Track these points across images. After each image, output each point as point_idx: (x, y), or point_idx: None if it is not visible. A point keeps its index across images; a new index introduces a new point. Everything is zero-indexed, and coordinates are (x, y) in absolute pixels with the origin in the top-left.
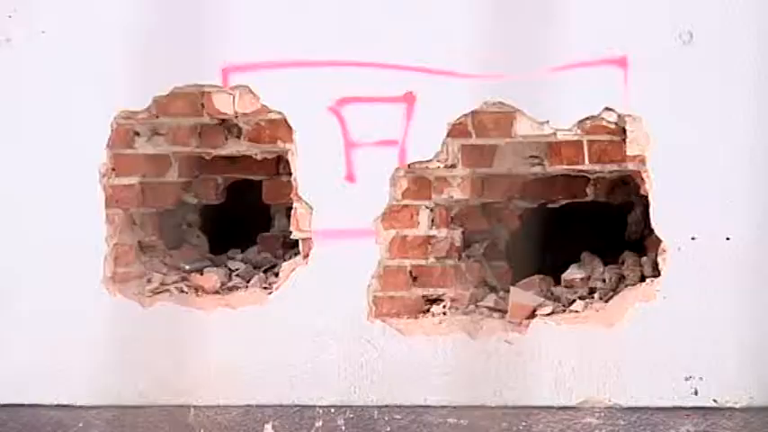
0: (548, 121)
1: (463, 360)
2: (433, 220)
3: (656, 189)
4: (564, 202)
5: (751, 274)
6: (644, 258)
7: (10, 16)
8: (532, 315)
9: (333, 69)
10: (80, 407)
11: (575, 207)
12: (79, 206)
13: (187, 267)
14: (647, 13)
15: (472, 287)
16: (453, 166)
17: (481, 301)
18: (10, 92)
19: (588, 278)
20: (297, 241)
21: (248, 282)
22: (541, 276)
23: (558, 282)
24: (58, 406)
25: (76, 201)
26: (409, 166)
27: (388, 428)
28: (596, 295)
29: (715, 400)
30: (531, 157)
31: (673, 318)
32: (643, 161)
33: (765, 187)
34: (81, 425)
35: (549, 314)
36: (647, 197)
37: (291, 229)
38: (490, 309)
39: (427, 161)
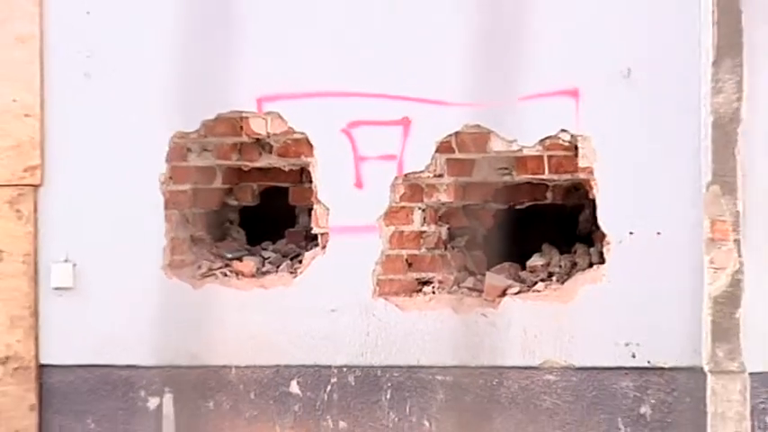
0: (515, 140)
1: (448, 329)
2: (424, 219)
3: (601, 194)
4: (528, 204)
5: (676, 261)
6: (592, 249)
7: (88, 56)
8: (503, 294)
9: (345, 99)
10: (144, 367)
11: (537, 208)
12: (144, 207)
13: (229, 256)
14: (595, 53)
15: (455, 272)
16: (441, 175)
17: (463, 282)
18: (89, 116)
19: (548, 264)
20: (316, 235)
21: (278, 267)
22: (510, 263)
23: (523, 268)
24: (126, 366)
25: (142, 203)
26: (406, 175)
27: (389, 384)
28: (554, 278)
29: (649, 362)
30: (502, 168)
31: (615, 296)
32: (591, 172)
33: (687, 193)
34: (144, 381)
35: (516, 293)
36: (594, 200)
37: (312, 225)
38: (470, 289)
39: (420, 172)
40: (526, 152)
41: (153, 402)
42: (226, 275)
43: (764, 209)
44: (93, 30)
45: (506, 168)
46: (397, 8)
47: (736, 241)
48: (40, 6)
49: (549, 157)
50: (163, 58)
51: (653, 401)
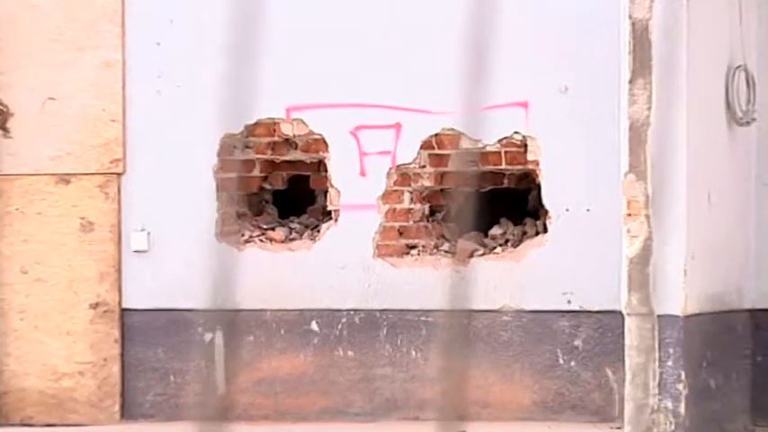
0: (480, 140)
1: (430, 282)
2: (411, 199)
3: (544, 180)
4: (490, 187)
5: (602, 230)
6: (538, 222)
7: (158, 77)
8: (471, 255)
9: (351, 109)
10: (200, 310)
11: (496, 191)
12: (201, 190)
13: (264, 227)
14: (540, 74)
15: (435, 239)
16: (424, 166)
17: (441, 247)
18: (159, 121)
19: (504, 233)
20: (330, 212)
21: (301, 235)
22: (476, 232)
23: (486, 236)
24: (187, 309)
25: (200, 187)
26: (398, 166)
27: (385, 323)
28: (509, 244)
29: (580, 306)
30: (470, 161)
31: (555, 257)
32: (537, 164)
33: (609, 179)
34: (201, 321)
35: (481, 255)
36: (539, 185)
37: (327, 204)
38: (446, 252)
39: (408, 164)
40: (488, 149)
41: (207, 336)
42: (262, 241)
43: (666, 192)
44: (162, 56)
45: (473, 161)
46: (390, 40)
47: (647, 216)
48: (122, 38)
49: (506, 152)
50: (214, 76)
51: (584, 336)
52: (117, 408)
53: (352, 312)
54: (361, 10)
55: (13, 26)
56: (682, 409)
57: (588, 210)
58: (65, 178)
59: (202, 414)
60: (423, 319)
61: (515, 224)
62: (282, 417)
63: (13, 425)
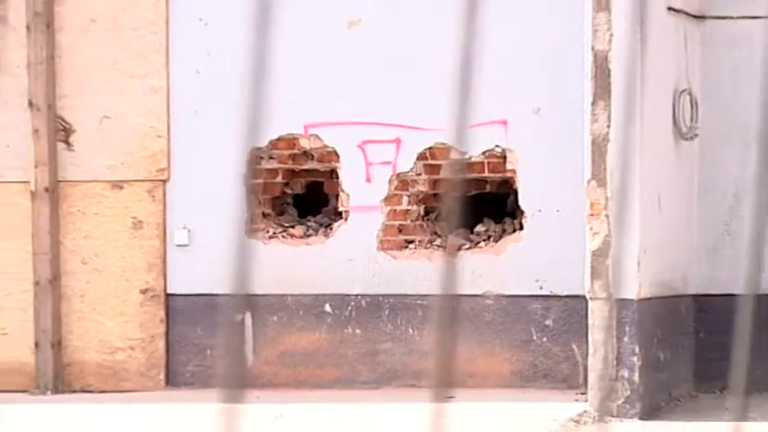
0: (467, 152)
1: (424, 272)
2: (409, 201)
3: (520, 186)
4: (475, 192)
5: (568, 228)
6: (515, 221)
7: (197, 99)
8: (459, 249)
9: (359, 126)
10: (232, 294)
11: (481, 195)
12: (233, 194)
13: (286, 225)
14: (517, 97)
15: (429, 235)
16: (419, 174)
17: (434, 242)
18: (197, 137)
19: (487, 230)
20: (341, 212)
21: (317, 232)
22: (464, 230)
23: (472, 233)
24: (221, 294)
25: (231, 192)
26: (398, 174)
27: (387, 306)
28: (491, 239)
29: (551, 292)
30: (459, 170)
31: (529, 250)
32: (515, 172)
33: (575, 185)
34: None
35: (468, 248)
36: (516, 190)
37: (339, 206)
38: (438, 246)
39: (406, 172)
40: (474, 160)
41: (238, 317)
42: (283, 237)
43: (623, 195)
44: (200, 82)
45: (461, 170)
46: (391, 70)
47: (606, 216)
48: (167, 68)
49: (488, 162)
50: (243, 98)
51: (553, 317)
52: (162, 377)
53: (359, 297)
54: (367, 44)
55: (76, 57)
56: (636, 378)
57: (557, 211)
58: (118, 184)
59: (232, 382)
60: (419, 302)
61: (496, 223)
62: (301, 385)
63: (74, 391)
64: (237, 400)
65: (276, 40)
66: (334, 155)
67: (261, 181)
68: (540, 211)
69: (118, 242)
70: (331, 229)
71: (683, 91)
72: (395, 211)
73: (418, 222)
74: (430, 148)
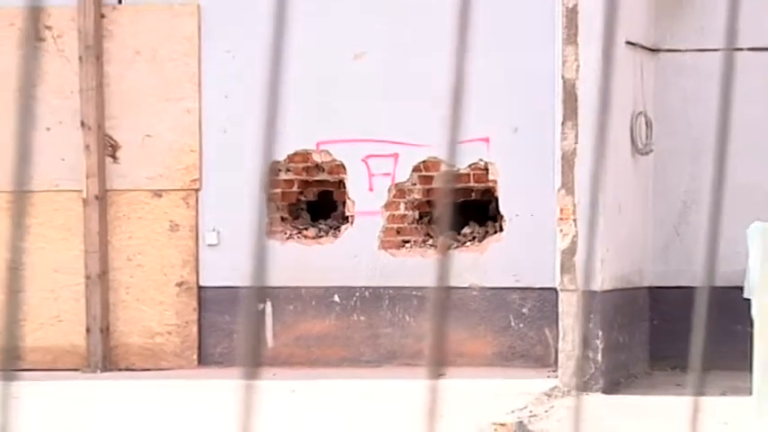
0: (455, 164)
1: (419, 267)
2: (406, 207)
3: (501, 194)
4: (462, 200)
5: (542, 230)
6: (496, 224)
7: (225, 119)
8: (449, 248)
9: (363, 143)
10: (253, 286)
11: (467, 202)
12: (254, 201)
13: (300, 227)
14: (497, 117)
15: (423, 236)
16: (415, 184)
17: (427, 242)
18: (225, 152)
19: (472, 232)
20: (348, 217)
21: (327, 233)
22: (453, 231)
23: (459, 234)
24: (243, 286)
25: (253, 199)
26: (396, 184)
27: (387, 297)
28: (476, 239)
29: (527, 284)
30: (448, 180)
31: (508, 249)
32: (495, 182)
33: (548, 193)
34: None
35: (456, 248)
36: (497, 198)
37: (346, 211)
38: (430, 245)
39: (403, 182)
40: (461, 172)
41: (260, 306)
42: (298, 238)
43: (588, 202)
44: (228, 105)
45: (450, 180)
46: (390, 95)
47: (574, 219)
48: (199, 93)
49: (473, 174)
50: (264, 118)
51: (529, 306)
52: (195, 357)
53: (363, 288)
54: (370, 73)
55: (121, 84)
56: (599, 358)
57: (532, 215)
58: (158, 193)
59: (252, 362)
60: (414, 293)
61: (480, 226)
62: (313, 364)
63: (120, 370)
64: (257, 376)
65: (292, 70)
66: (342, 168)
67: (279, 190)
68: (517, 215)
69: (157, 242)
70: (339, 231)
71: (639, 113)
72: (393, 215)
73: (413, 225)
74: (423, 161)
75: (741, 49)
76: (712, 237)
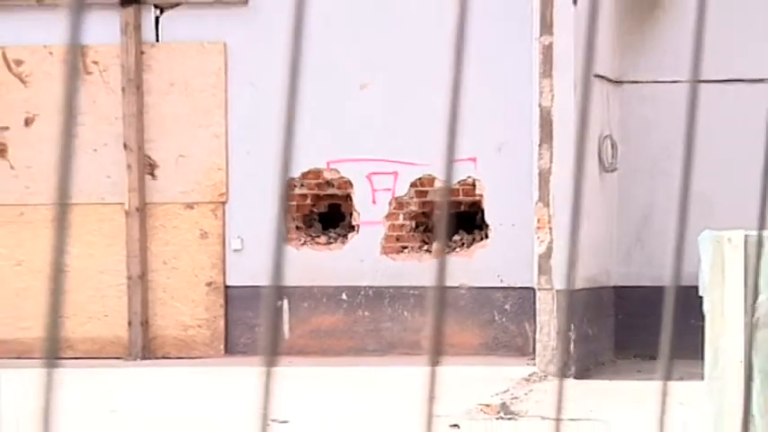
0: (451, 182)
1: (416, 270)
2: (404, 218)
3: (486, 206)
4: (453, 211)
5: (522, 237)
6: (482, 232)
7: (249, 142)
8: (444, 252)
9: (367, 162)
10: (272, 286)
11: (457, 213)
12: (274, 213)
13: (313, 235)
14: (483, 139)
15: (419, 242)
16: (412, 198)
17: (422, 248)
18: (249, 170)
19: (462, 239)
20: (354, 226)
21: (336, 240)
22: (446, 239)
23: (450, 240)
24: (264, 286)
25: (273, 211)
26: (396, 198)
27: (388, 295)
28: (465, 245)
29: (509, 284)
30: (441, 194)
31: (492, 254)
32: (482, 196)
33: (527, 205)
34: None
35: (447, 253)
36: (483, 209)
37: (352, 221)
38: (426, 251)
39: (402, 196)
40: (453, 187)
41: (278, 304)
42: (311, 244)
43: (561, 213)
44: (250, 130)
45: (443, 194)
46: (390, 121)
47: (550, 228)
48: (225, 119)
49: (462, 189)
50: (281, 140)
51: (511, 303)
52: (222, 347)
53: (367, 288)
54: (374, 102)
55: (158, 111)
56: (571, 348)
57: (513, 224)
58: (190, 205)
59: (271, 351)
60: (412, 292)
61: (468, 233)
62: (325, 353)
63: (157, 358)
64: (275, 364)
65: (306, 99)
66: (349, 183)
67: (294, 203)
68: (500, 224)
69: (189, 248)
70: (346, 238)
71: (605, 136)
72: (393, 225)
73: (411, 233)
74: (419, 178)
75: (705, 81)
76: (679, 242)
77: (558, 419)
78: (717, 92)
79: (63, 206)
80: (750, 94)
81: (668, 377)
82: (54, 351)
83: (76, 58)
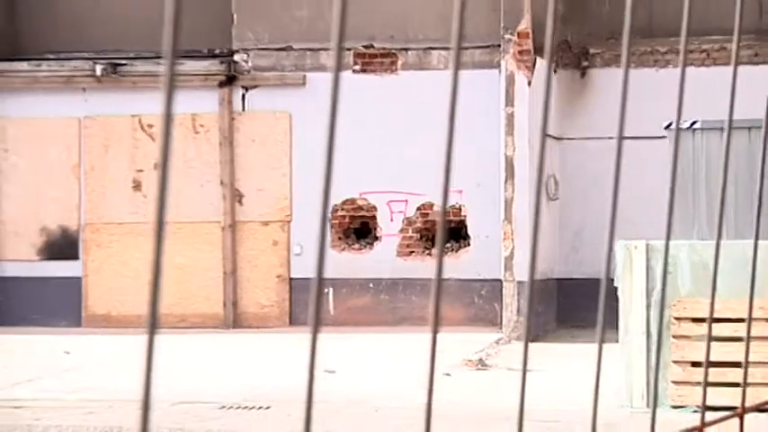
0: (446, 207)
1: (422, 268)
2: (412, 232)
3: (469, 223)
4: (446, 227)
5: (493, 245)
6: (466, 241)
7: (307, 178)
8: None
9: (386, 194)
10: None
11: (448, 228)
12: (318, 228)
13: (350, 243)
14: (468, 176)
15: (422, 249)
16: (417, 218)
17: (425, 252)
18: (305, 199)
19: (451, 247)
20: (378, 237)
21: (365, 247)
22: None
23: (444, 247)
24: (313, 278)
25: (315, 227)
26: (407, 218)
27: (400, 284)
28: (453, 250)
29: (484, 277)
30: (439, 215)
31: (473, 257)
32: (466, 216)
33: (497, 222)
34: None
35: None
36: (467, 226)
37: (377, 234)
38: (428, 254)
39: (410, 216)
40: (446, 210)
41: (325, 291)
42: (348, 250)
43: (521, 229)
44: (306, 171)
45: (443, 215)
46: (401, 162)
47: (512, 239)
48: (290, 164)
49: (452, 211)
50: (324, 177)
51: (486, 290)
52: (287, 320)
53: (387, 279)
54: (390, 151)
55: (244, 159)
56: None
57: (487, 236)
58: (265, 223)
59: (318, 323)
60: (418, 283)
61: (456, 242)
62: (357, 324)
63: (243, 328)
64: (319, 332)
65: (344, 149)
66: (374, 208)
67: (337, 221)
68: (478, 236)
69: (264, 252)
70: (372, 245)
71: (550, 176)
72: (405, 236)
73: (417, 242)
74: (423, 204)
75: (627, 138)
76: (609, 249)
77: (524, 371)
78: (629, 144)
79: (160, 224)
80: (650, 146)
81: (602, 341)
82: (155, 323)
83: (170, 124)
